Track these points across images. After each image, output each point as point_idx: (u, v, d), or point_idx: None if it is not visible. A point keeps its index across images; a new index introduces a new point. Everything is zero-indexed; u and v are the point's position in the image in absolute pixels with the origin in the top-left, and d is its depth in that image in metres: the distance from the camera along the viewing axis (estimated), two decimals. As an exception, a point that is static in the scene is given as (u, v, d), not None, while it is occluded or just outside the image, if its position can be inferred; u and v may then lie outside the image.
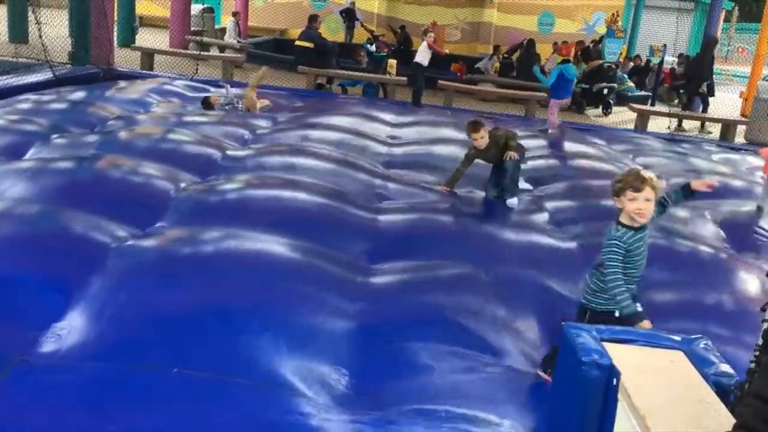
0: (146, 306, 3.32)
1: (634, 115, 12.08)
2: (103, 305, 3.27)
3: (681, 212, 5.88)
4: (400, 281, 3.98)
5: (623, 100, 14.07)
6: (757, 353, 1.32)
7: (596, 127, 11.51)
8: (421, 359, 3.20)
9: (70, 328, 3.12)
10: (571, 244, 4.94)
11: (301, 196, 5.06)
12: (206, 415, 2.66)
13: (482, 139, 5.72)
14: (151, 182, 5.10)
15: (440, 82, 12.32)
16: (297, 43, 12.51)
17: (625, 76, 15.08)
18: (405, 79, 11.88)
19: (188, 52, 13.41)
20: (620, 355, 1.36)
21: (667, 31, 16.99)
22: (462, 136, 7.81)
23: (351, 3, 19.11)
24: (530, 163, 7.21)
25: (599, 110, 13.76)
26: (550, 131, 9.37)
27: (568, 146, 8.59)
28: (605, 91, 13.62)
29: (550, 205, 6.00)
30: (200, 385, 2.82)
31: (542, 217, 5.68)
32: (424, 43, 11.21)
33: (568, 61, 10.35)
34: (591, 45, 15.94)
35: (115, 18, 13.05)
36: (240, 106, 8.85)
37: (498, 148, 5.80)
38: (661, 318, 3.75)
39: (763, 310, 1.28)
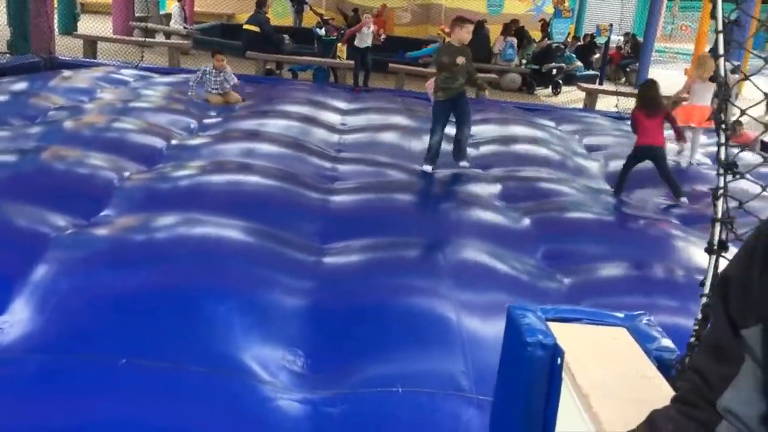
0: (93, 295, 3.23)
1: (583, 94, 12.25)
2: (46, 296, 3.17)
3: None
4: (353, 261, 3.98)
5: (572, 79, 14.24)
6: (697, 327, 1.35)
7: (546, 107, 11.64)
8: (375, 337, 3.20)
9: (13, 321, 3.03)
10: (524, 221, 5.01)
11: (252, 179, 5.03)
12: (160, 404, 2.61)
13: (468, 34, 6.04)
14: (94, 172, 4.97)
15: (391, 65, 12.27)
16: (245, 27, 12.31)
17: (573, 56, 15.23)
18: (353, 62, 11.78)
19: (133, 38, 13.08)
20: (564, 334, 1.36)
21: (613, 10, 17.22)
22: (410, 123, 7.83)
23: (298, -15, 18.88)
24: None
25: (549, 90, 13.91)
26: None
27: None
28: (554, 71, 13.77)
29: (498, 181, 6.09)
30: (152, 373, 2.77)
31: (493, 192, 5.75)
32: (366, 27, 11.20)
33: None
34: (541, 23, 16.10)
35: (55, 5, 12.64)
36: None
37: (468, 70, 6.09)
38: (609, 293, 3.83)
39: (701, 285, 1.29)
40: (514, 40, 14.29)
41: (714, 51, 1.32)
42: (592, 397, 1.16)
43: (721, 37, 1.20)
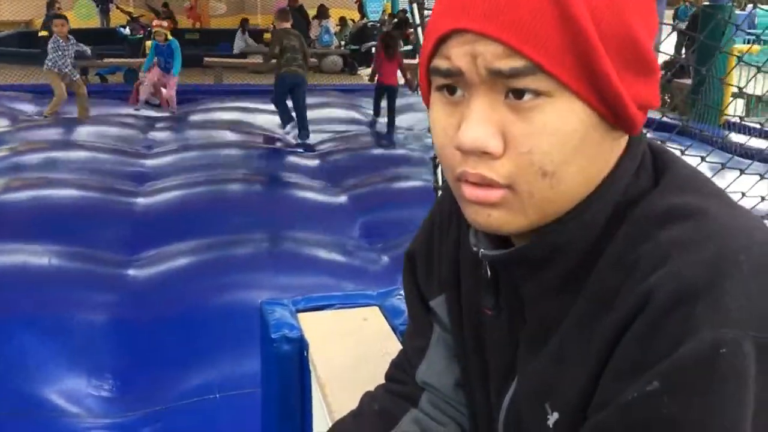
0: None
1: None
2: None
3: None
4: (162, 268, 3.78)
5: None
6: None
7: (367, 87, 11.77)
8: (188, 346, 3.07)
9: None
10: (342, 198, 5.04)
11: (48, 194, 4.69)
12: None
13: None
14: None
15: (206, 59, 11.90)
16: (40, 34, 11.46)
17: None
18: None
19: None
20: (314, 323, 1.33)
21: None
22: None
23: (102, -16, 17.79)
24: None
25: (369, 69, 14.09)
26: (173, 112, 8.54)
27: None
28: (373, 49, 13.96)
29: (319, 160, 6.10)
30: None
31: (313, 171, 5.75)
32: None
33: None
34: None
35: None
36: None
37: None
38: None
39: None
40: (330, 24, 14.33)
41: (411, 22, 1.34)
42: (328, 386, 1.14)
43: (415, 6, 1.21)
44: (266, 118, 8.09)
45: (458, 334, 0.77)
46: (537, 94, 0.54)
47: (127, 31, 12.23)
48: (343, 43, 14.53)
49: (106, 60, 11.54)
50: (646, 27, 0.57)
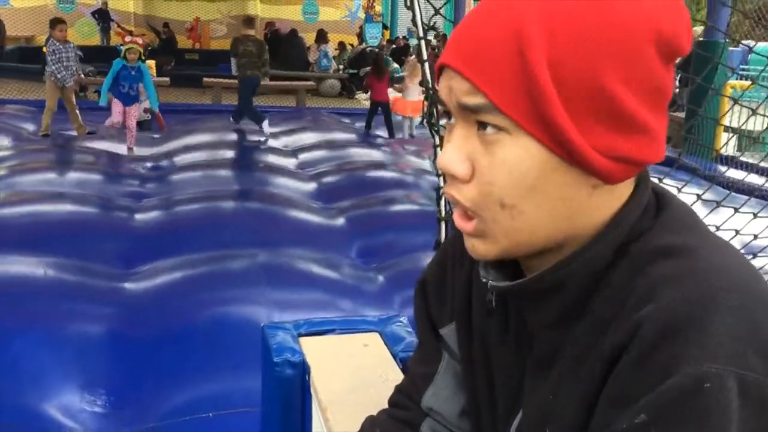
0: None
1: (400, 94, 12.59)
2: None
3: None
4: (158, 283, 3.78)
5: (390, 81, 14.61)
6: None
7: (364, 111, 11.85)
8: (183, 362, 3.06)
9: None
10: (340, 220, 5.06)
11: (45, 208, 4.70)
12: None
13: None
14: None
15: (205, 79, 11.98)
16: (45, 50, 11.49)
17: (389, 58, 15.67)
18: (168, 79, 11.39)
19: None
20: (315, 348, 1.35)
21: (424, 12, 17.85)
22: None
23: (103, 3, 17.92)
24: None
25: (368, 94, 14.19)
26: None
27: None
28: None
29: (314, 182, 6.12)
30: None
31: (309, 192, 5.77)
32: None
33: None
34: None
35: None
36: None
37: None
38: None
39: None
40: (329, 49, 14.46)
41: (419, 56, 1.39)
42: (329, 410, 1.16)
43: (423, 43, 1.25)
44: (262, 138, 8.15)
45: (467, 362, 0.79)
46: (498, 129, 0.59)
47: (128, 49, 12.26)
48: (341, 67, 14.65)
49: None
50: (626, 81, 0.57)
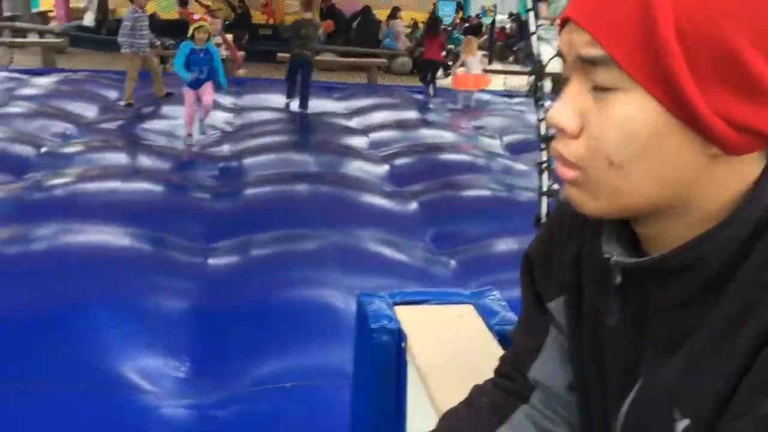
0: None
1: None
2: None
3: (519, 165, 6.20)
4: (238, 259, 3.90)
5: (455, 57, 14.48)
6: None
7: (437, 88, 11.80)
8: (262, 336, 3.16)
9: None
10: (413, 204, 5.06)
11: (131, 184, 4.85)
12: (37, 426, 2.48)
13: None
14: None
15: (279, 54, 12.10)
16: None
17: (462, 37, 15.50)
18: (243, 53, 11.55)
19: (1, 39, 12.34)
20: (411, 317, 1.37)
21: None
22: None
23: (181, -22, 18.24)
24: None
25: (440, 72, 14.09)
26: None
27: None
28: (443, 53, 13.95)
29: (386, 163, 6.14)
30: (28, 394, 2.63)
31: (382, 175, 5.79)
32: None
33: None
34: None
35: None
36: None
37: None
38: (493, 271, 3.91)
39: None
40: (399, 26, 14.38)
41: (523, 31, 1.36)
42: (430, 377, 1.17)
43: (532, 15, 1.23)
44: (336, 119, 8.20)
45: (575, 337, 0.78)
46: (615, 86, 0.58)
47: (206, 23, 12.50)
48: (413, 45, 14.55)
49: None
50: (757, 43, 0.55)
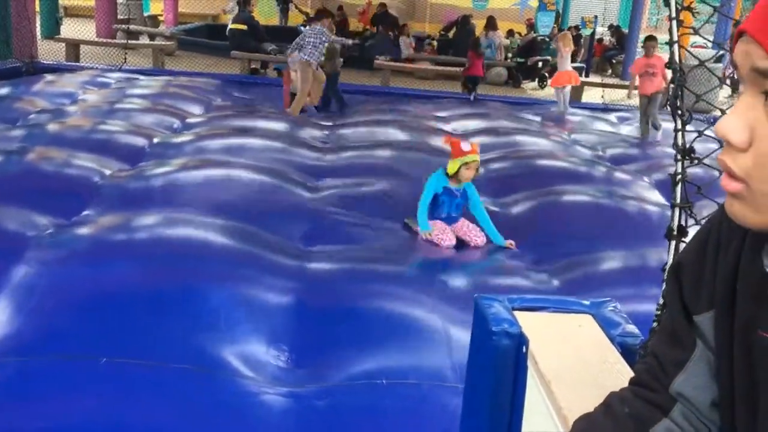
0: (71, 295, 3.19)
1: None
2: (24, 297, 3.13)
3: (620, 174, 6.06)
4: (337, 264, 3.96)
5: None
6: (658, 312, 1.36)
7: (530, 101, 11.68)
8: (358, 336, 3.20)
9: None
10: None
11: (236, 177, 5.04)
12: (141, 403, 2.58)
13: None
14: (75, 172, 4.97)
15: (376, 61, 12.28)
16: (230, 26, 12.31)
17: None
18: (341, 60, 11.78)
19: (115, 41, 13.03)
20: (530, 322, 1.37)
21: (598, 2, 17.26)
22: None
23: (283, -15, 18.80)
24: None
25: (535, 83, 13.93)
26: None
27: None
28: (540, 64, 13.79)
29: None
30: (133, 372, 2.74)
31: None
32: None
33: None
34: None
35: (37, 9, 12.57)
36: None
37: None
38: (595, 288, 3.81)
39: (663, 270, 1.30)
40: (497, 38, 14.30)
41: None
42: (554, 383, 1.17)
43: (674, 23, 1.22)
44: (430, 123, 8.23)
45: (724, 352, 0.77)
46: None
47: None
48: (509, 55, 14.46)
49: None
50: None
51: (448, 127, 8.20)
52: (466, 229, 4.65)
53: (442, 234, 4.54)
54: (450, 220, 4.71)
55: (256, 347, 3.07)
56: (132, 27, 14.23)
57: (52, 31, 13.67)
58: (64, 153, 5.24)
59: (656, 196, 5.62)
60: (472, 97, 10.77)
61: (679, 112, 1.15)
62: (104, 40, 13.17)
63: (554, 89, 10.33)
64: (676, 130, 1.20)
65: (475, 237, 4.58)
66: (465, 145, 4.64)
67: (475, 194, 4.70)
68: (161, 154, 5.78)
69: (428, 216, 4.59)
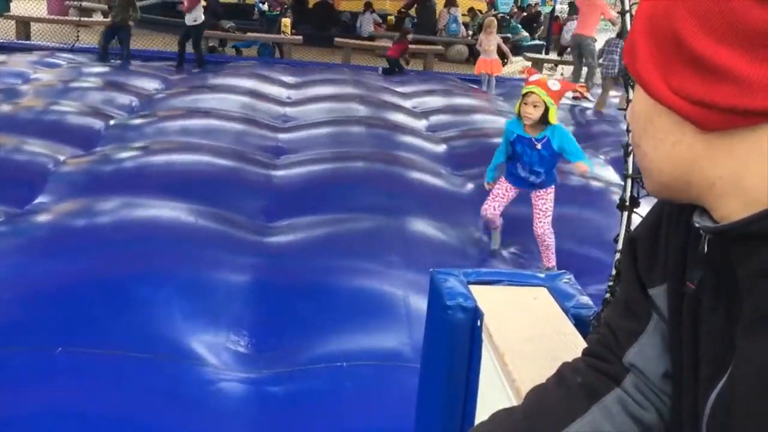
0: (26, 285, 3.13)
1: (529, 63, 12.34)
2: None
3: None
4: (298, 239, 3.94)
5: (518, 50, 14.33)
6: (611, 283, 1.37)
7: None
8: (320, 315, 3.19)
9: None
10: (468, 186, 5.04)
11: (194, 158, 4.96)
12: (100, 392, 2.55)
13: None
14: (27, 158, 4.83)
15: (337, 39, 12.16)
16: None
17: (519, 26, 15.31)
18: (301, 38, 11.66)
19: (68, 18, 12.67)
20: (485, 296, 1.37)
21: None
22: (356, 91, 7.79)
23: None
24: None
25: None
26: None
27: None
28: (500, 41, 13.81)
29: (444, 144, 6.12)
30: (91, 361, 2.71)
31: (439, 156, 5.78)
32: None
33: None
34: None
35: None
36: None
37: None
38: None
39: (615, 241, 1.31)
40: (458, 14, 14.28)
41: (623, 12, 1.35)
42: (507, 355, 1.17)
43: (628, 17, 1.22)
44: (394, 99, 8.20)
45: (675, 324, 0.77)
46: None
47: (265, 7, 12.64)
48: (470, 33, 14.45)
49: (246, 34, 12.02)
50: (700, 21, 0.58)
51: (408, 104, 8.19)
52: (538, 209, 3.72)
53: (492, 200, 3.79)
54: (525, 184, 3.74)
55: (215, 333, 3.04)
56: (84, 4, 13.82)
57: (1, 8, 13.23)
58: (16, 138, 5.09)
59: (610, 174, 5.71)
60: (380, 70, 10.99)
61: (631, 82, 1.15)
62: (56, 17, 12.78)
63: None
64: (628, 101, 1.20)
65: (538, 224, 3.73)
66: (533, 77, 3.73)
67: (562, 138, 3.58)
68: (119, 136, 5.63)
69: (506, 171, 3.81)
